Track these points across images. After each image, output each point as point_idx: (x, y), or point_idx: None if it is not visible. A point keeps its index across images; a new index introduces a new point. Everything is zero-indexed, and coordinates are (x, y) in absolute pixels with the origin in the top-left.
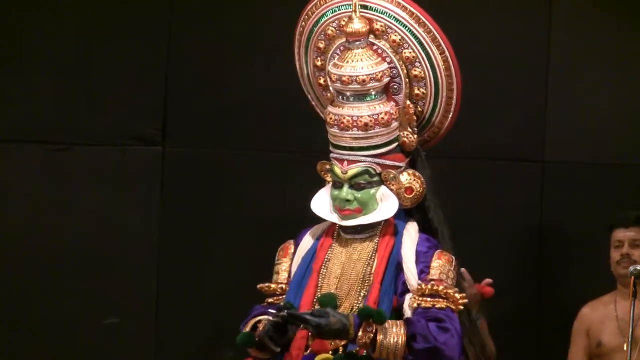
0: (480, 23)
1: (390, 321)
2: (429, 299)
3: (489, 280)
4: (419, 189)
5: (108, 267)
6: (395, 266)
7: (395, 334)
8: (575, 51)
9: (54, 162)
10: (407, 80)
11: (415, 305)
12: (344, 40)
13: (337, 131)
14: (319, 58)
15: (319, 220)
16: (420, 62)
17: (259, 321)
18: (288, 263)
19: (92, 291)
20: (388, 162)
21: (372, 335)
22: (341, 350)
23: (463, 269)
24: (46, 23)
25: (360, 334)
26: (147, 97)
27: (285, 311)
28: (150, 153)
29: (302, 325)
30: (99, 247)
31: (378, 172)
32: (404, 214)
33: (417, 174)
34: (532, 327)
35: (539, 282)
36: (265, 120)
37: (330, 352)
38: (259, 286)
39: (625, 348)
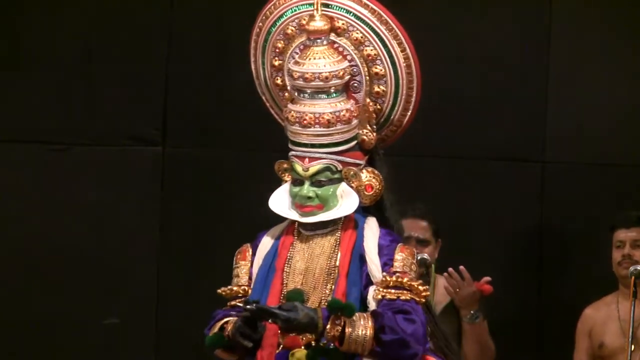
0: (480, 23)
1: (357, 314)
2: (393, 291)
3: (487, 278)
4: (378, 187)
5: (108, 267)
6: (358, 258)
7: (362, 326)
8: (575, 51)
9: (54, 162)
10: (368, 77)
11: (380, 297)
12: (303, 39)
13: (299, 128)
14: (276, 58)
15: (277, 221)
16: (381, 60)
17: (226, 322)
18: (247, 266)
19: (92, 291)
20: (348, 160)
21: (340, 328)
22: (314, 344)
23: (461, 267)
24: (46, 23)
25: (328, 326)
26: (147, 97)
27: (254, 304)
28: (150, 153)
29: (270, 320)
30: (99, 247)
31: (339, 169)
32: (362, 211)
33: (376, 171)
34: (532, 327)
35: (539, 282)
36: (265, 120)
37: (303, 347)
38: (219, 290)
39: (626, 347)
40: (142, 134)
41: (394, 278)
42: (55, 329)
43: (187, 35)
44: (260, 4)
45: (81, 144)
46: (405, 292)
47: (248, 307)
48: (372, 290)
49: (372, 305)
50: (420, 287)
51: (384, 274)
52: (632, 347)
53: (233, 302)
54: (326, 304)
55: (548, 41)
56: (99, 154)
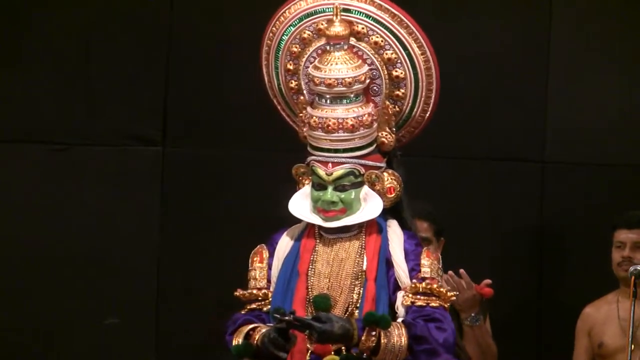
0: (480, 23)
1: (392, 323)
2: (422, 297)
3: (488, 281)
4: (398, 189)
5: (108, 267)
6: (385, 262)
7: (397, 337)
8: (575, 51)
9: (54, 162)
10: (387, 80)
11: (409, 302)
12: (321, 43)
13: (322, 133)
14: (291, 62)
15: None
16: (401, 63)
17: (252, 329)
18: (265, 269)
19: (92, 291)
20: (370, 163)
21: (375, 339)
22: (344, 350)
23: (462, 270)
24: (46, 23)
25: (363, 337)
26: (147, 97)
27: (291, 315)
28: (150, 153)
29: (305, 331)
30: (99, 247)
31: (362, 172)
32: (381, 213)
33: (396, 173)
34: (532, 327)
35: (539, 282)
36: (265, 120)
37: (332, 352)
38: (236, 293)
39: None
40: (142, 134)
41: (423, 284)
42: (55, 329)
43: (187, 35)
44: (260, 4)
45: (81, 144)
46: (434, 298)
47: (286, 318)
48: (400, 295)
49: (400, 311)
50: (448, 294)
51: (414, 280)
52: (632, 346)
53: (252, 306)
54: (363, 318)
55: (548, 41)
56: (99, 154)
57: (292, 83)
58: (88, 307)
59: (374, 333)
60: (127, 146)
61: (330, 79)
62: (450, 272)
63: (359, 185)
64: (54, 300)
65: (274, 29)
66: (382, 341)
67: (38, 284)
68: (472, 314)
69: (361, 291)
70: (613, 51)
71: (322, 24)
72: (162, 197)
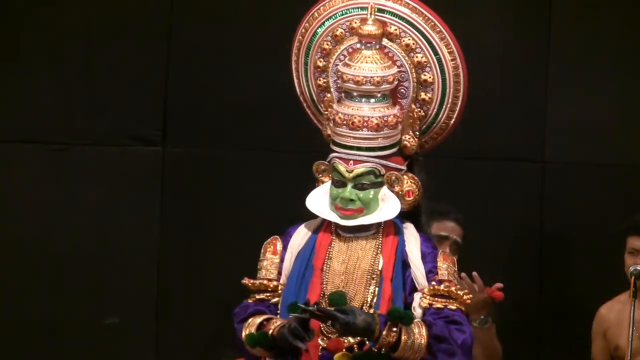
0: (480, 23)
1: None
2: (440, 299)
3: (499, 285)
4: (417, 193)
5: (108, 267)
6: (401, 263)
7: (418, 334)
8: (575, 51)
9: (54, 162)
10: (416, 84)
11: (427, 304)
12: (352, 42)
13: (346, 130)
14: (321, 59)
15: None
16: (430, 67)
17: (266, 320)
18: (277, 260)
19: (92, 291)
20: (391, 164)
21: (396, 335)
22: (356, 348)
23: (474, 273)
24: (46, 23)
25: (384, 332)
26: (147, 97)
27: (315, 306)
28: (150, 153)
29: (328, 322)
30: (99, 247)
31: (382, 173)
32: (399, 216)
33: (415, 177)
34: (532, 327)
35: (539, 282)
36: (265, 120)
37: (344, 350)
38: (244, 281)
39: None
40: (142, 134)
41: (442, 287)
42: (55, 329)
43: (187, 35)
44: (260, 4)
45: (81, 144)
46: (451, 300)
47: (310, 308)
48: (417, 297)
49: (417, 312)
50: (465, 296)
51: (433, 283)
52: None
53: (260, 296)
54: (387, 312)
55: (548, 41)
56: (99, 154)
57: (320, 80)
58: (88, 306)
59: (395, 329)
60: (127, 146)
61: (359, 76)
62: (463, 274)
63: (379, 185)
64: (54, 300)
65: (307, 25)
66: (403, 337)
67: (38, 283)
68: (482, 316)
69: (377, 290)
70: (613, 51)
71: (355, 22)
72: (162, 197)
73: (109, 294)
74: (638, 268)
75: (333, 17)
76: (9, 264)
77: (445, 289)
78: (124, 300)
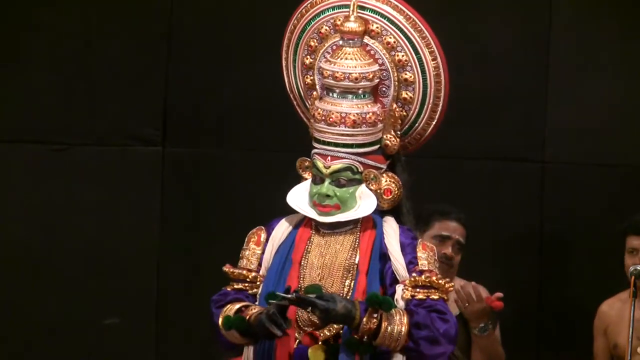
0: (480, 23)
1: (393, 309)
2: (422, 290)
3: (499, 294)
4: (396, 192)
5: (108, 267)
6: (379, 257)
7: (398, 322)
8: (575, 51)
9: (54, 162)
10: (397, 83)
11: (409, 296)
12: (336, 39)
13: (324, 126)
14: (308, 56)
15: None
16: (411, 66)
17: (245, 307)
18: (259, 251)
19: (92, 291)
20: (370, 162)
21: (377, 322)
22: (331, 341)
23: (473, 283)
24: (46, 23)
25: (364, 319)
26: (147, 97)
27: (294, 293)
28: (150, 153)
29: (308, 309)
30: (99, 247)
31: (360, 170)
32: (379, 214)
33: (396, 177)
34: (531, 327)
35: (538, 282)
36: (265, 120)
37: (320, 342)
38: (224, 268)
39: (639, 350)
40: (142, 134)
41: (423, 277)
42: (56, 328)
43: (187, 35)
44: (260, 4)
45: (81, 144)
46: (433, 290)
47: (288, 295)
48: (399, 289)
49: (400, 304)
50: (446, 285)
51: (413, 274)
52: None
53: (238, 286)
54: (366, 297)
55: (548, 41)
56: (99, 154)
57: (308, 78)
58: (88, 307)
59: (375, 315)
60: (127, 146)
61: (338, 72)
62: (461, 284)
63: (357, 182)
64: (54, 300)
65: (295, 21)
66: (383, 324)
67: (38, 283)
68: (481, 324)
69: (352, 284)
70: (613, 51)
71: (339, 20)
72: (162, 197)
73: (109, 294)
74: (638, 268)
75: (320, 14)
76: (8, 264)
77: (427, 280)
78: (124, 300)
